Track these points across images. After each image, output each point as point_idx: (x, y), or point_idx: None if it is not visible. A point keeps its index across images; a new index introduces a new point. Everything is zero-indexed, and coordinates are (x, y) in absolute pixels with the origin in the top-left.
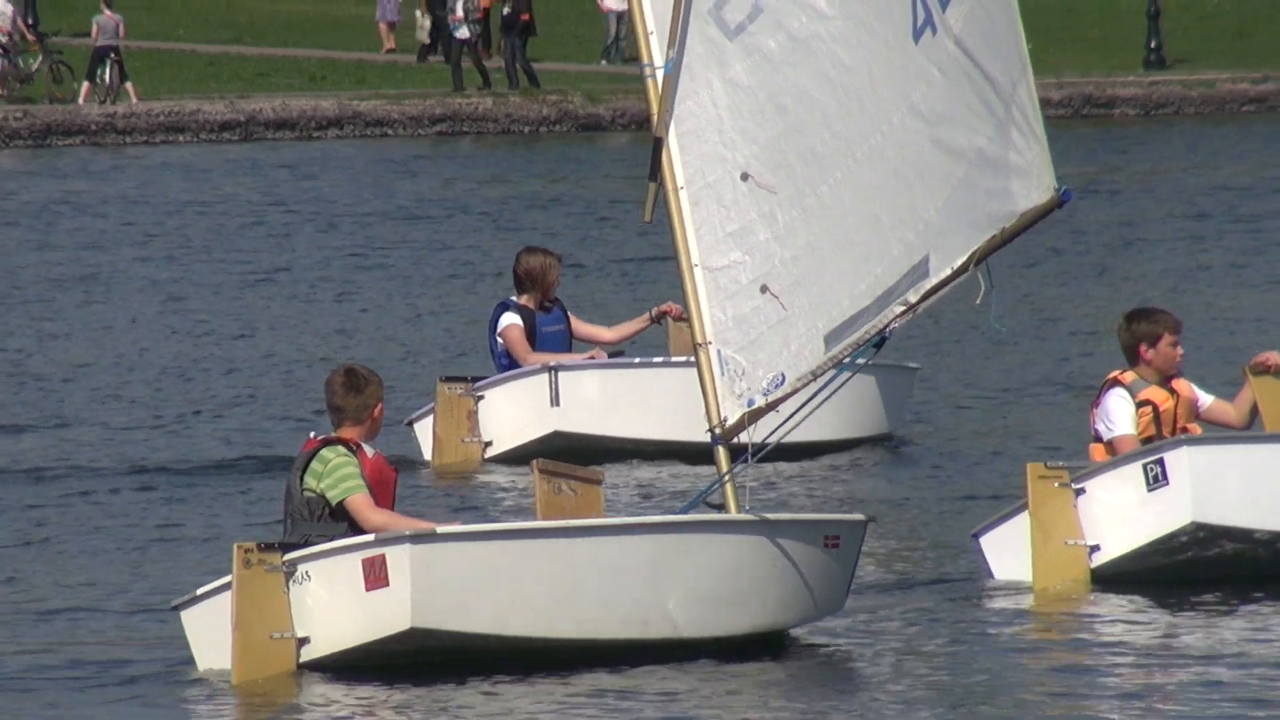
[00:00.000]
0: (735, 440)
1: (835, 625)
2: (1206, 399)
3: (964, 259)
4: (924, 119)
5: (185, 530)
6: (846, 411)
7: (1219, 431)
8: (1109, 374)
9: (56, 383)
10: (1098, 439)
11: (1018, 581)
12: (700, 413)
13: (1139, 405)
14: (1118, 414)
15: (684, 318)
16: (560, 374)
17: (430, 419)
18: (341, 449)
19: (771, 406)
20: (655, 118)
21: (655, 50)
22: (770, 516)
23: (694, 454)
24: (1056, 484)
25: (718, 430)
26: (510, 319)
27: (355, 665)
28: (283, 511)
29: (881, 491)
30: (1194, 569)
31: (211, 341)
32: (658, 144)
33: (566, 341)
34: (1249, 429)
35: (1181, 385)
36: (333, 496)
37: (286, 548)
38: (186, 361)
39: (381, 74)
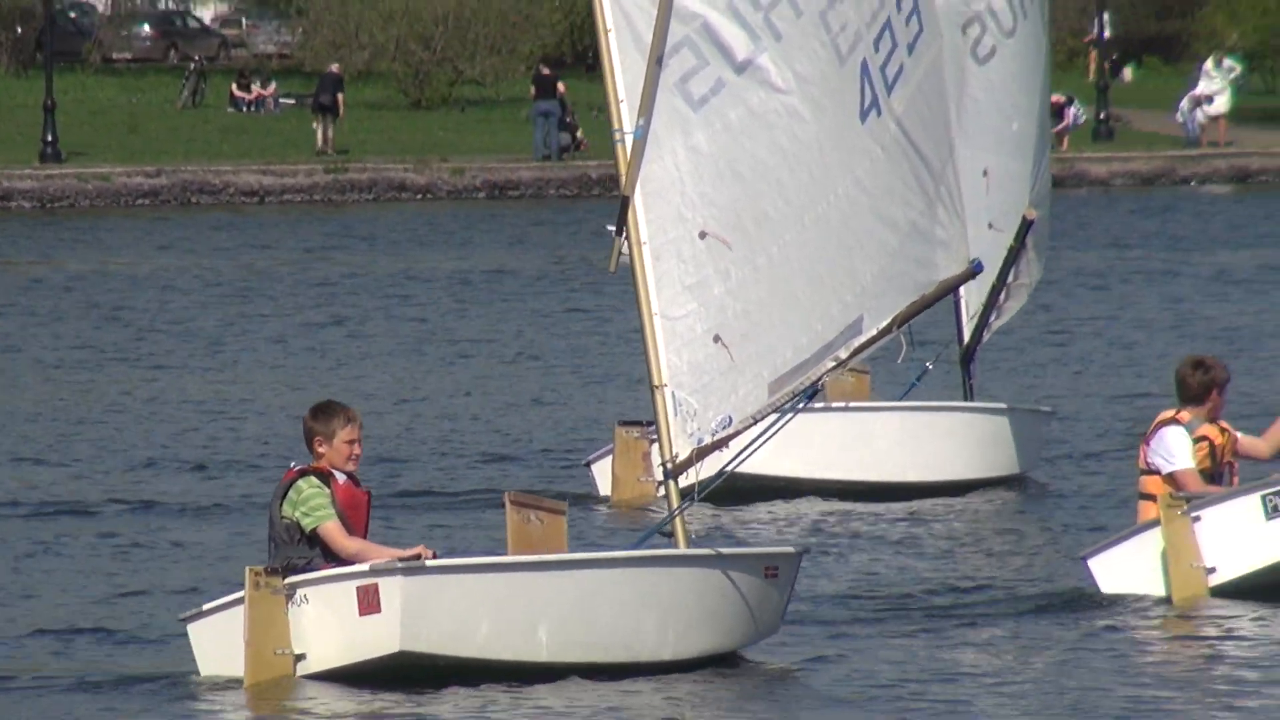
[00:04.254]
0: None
1: (941, 637)
2: (1239, 435)
3: (888, 321)
4: (866, 192)
5: (181, 554)
6: (985, 452)
7: None
8: (1163, 414)
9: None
10: (1150, 471)
11: (1129, 596)
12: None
13: (1196, 441)
14: (1180, 449)
15: None
16: None
17: (607, 460)
18: (314, 478)
19: (717, 444)
20: (624, 178)
21: (625, 116)
22: (717, 550)
23: (851, 492)
24: (1180, 512)
25: (669, 465)
26: None
27: (348, 679)
28: (267, 536)
29: (1000, 522)
30: None
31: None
32: (625, 202)
33: None
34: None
35: (1224, 424)
36: (306, 525)
37: (286, 571)
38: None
39: None
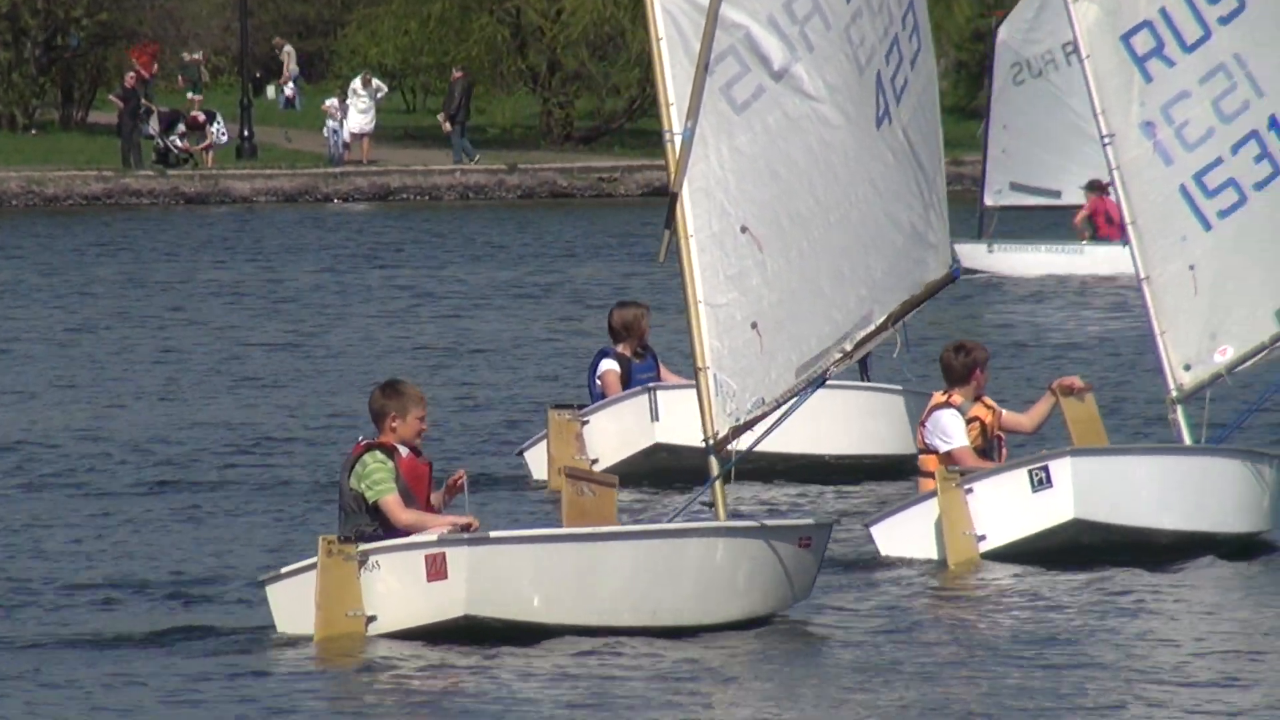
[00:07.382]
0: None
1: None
2: (1004, 412)
3: (883, 318)
4: (880, 194)
5: (265, 523)
6: (891, 431)
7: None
8: (935, 396)
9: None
10: (928, 450)
11: (908, 559)
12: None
13: (969, 421)
14: (955, 429)
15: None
16: (658, 393)
17: (538, 446)
18: (379, 453)
19: (750, 424)
20: (672, 175)
21: (675, 119)
22: (754, 523)
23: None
24: (954, 485)
25: (711, 442)
26: (609, 364)
27: (413, 638)
28: (338, 505)
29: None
30: (1068, 556)
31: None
32: (673, 198)
33: None
34: (1034, 435)
35: (989, 401)
36: (369, 497)
37: (357, 538)
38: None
39: None
